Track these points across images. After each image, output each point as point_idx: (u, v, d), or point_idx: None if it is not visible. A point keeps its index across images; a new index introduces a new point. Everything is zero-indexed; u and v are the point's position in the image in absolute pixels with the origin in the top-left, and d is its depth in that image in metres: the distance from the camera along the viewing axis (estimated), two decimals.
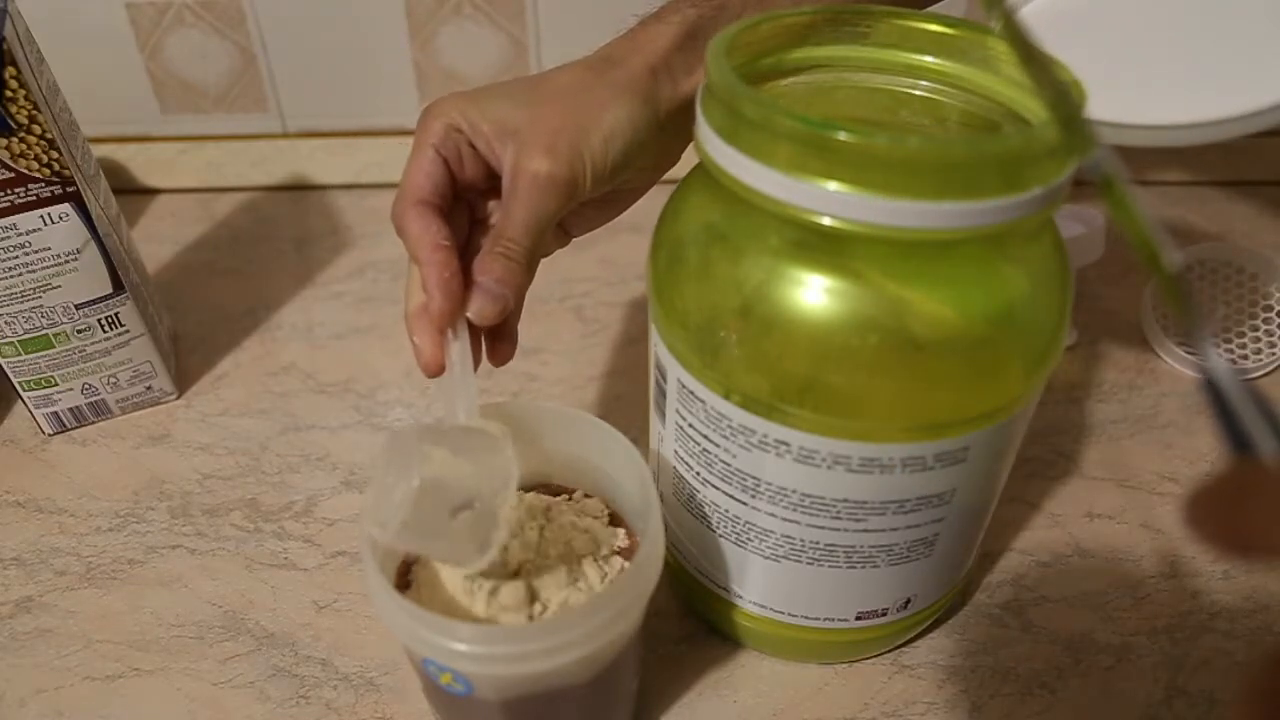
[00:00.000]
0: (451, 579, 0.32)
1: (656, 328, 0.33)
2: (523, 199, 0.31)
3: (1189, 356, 0.53)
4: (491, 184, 0.34)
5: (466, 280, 0.31)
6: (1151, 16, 0.38)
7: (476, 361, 0.33)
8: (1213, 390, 0.17)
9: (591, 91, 0.32)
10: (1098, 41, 0.38)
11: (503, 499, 0.29)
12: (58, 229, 0.44)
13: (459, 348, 0.31)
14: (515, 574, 0.31)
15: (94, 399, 0.50)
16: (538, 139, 0.31)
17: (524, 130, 0.32)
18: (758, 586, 0.35)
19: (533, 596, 0.31)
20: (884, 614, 0.36)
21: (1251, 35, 0.36)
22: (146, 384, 0.51)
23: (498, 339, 0.34)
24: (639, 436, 0.49)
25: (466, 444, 0.29)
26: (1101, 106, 0.31)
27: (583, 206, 0.35)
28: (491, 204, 0.35)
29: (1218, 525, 0.16)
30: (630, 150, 0.33)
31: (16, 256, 0.44)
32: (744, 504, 0.33)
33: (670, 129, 0.34)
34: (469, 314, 0.31)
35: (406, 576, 0.34)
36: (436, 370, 0.31)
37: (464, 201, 0.34)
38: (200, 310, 0.59)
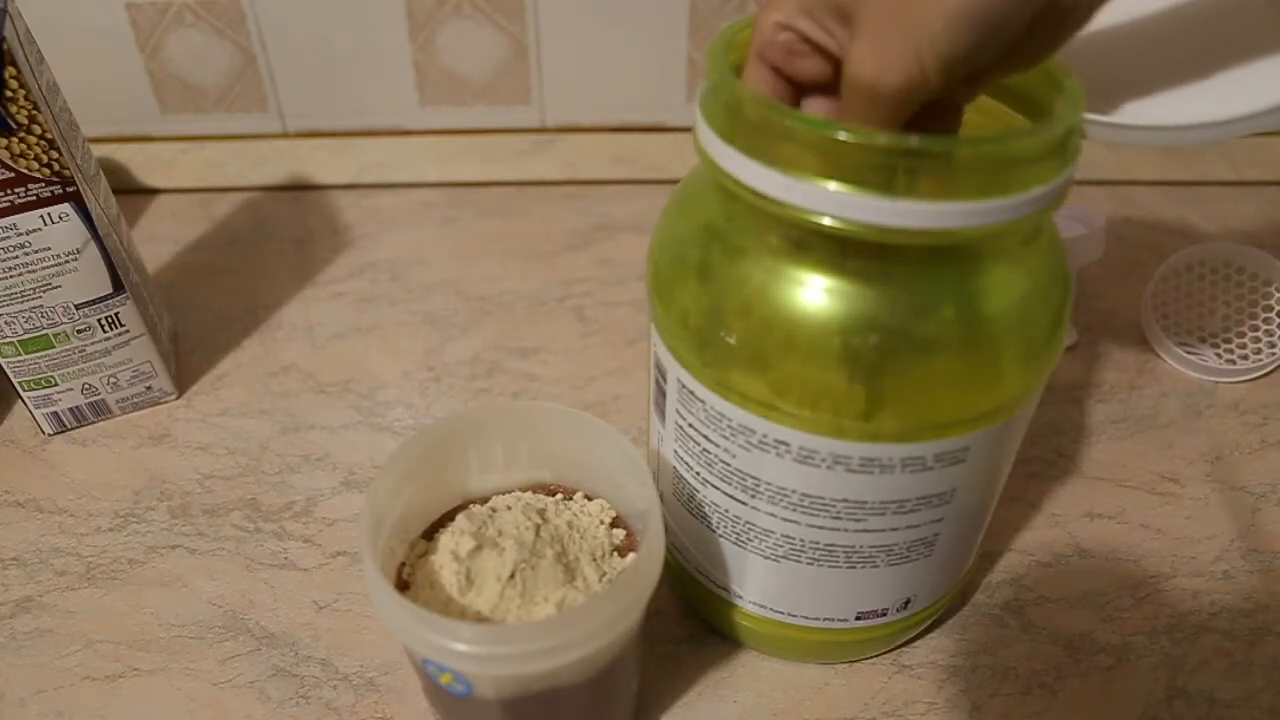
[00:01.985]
0: (451, 578, 0.32)
1: (656, 328, 0.33)
2: (851, 109, 0.25)
3: (1189, 356, 0.53)
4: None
5: None
6: (1152, 18, 0.38)
7: None
8: None
9: None
10: (1098, 42, 0.38)
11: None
12: (58, 229, 0.44)
13: None
14: (512, 575, 0.31)
15: (94, 399, 0.50)
16: (867, 24, 0.24)
17: (856, 5, 0.25)
18: (758, 586, 0.35)
19: (531, 596, 0.31)
20: (884, 614, 0.36)
21: (1252, 36, 0.36)
22: (146, 384, 0.51)
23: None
24: (639, 436, 0.49)
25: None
26: (1102, 107, 0.31)
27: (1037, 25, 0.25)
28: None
29: None
30: (991, 25, 0.23)
31: (16, 256, 0.44)
32: (744, 504, 0.33)
33: None
34: None
35: (406, 577, 0.34)
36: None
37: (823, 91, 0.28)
38: (200, 310, 0.59)
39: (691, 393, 0.31)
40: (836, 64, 0.27)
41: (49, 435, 0.50)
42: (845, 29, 0.25)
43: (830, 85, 0.28)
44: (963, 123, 0.30)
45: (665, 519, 0.34)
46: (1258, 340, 0.53)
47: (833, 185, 0.25)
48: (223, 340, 0.56)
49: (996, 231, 0.26)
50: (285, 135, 0.72)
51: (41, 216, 0.43)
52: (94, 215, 0.45)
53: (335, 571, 0.43)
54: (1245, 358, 0.53)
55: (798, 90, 0.28)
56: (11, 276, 0.44)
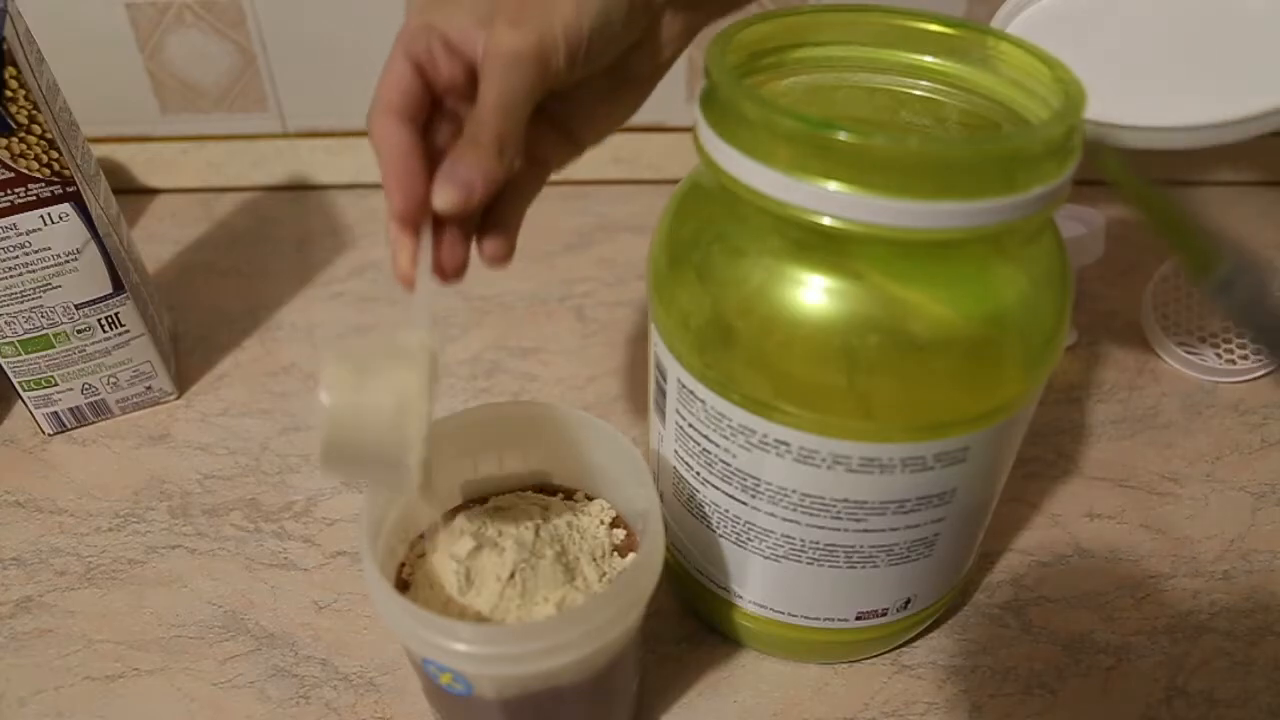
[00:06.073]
0: (451, 578, 0.32)
1: (656, 328, 0.33)
2: (489, 77, 0.29)
3: (1189, 356, 0.53)
4: (475, 88, 0.30)
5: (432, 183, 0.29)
6: (1154, 19, 0.38)
7: (459, 268, 0.31)
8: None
9: None
10: (1100, 43, 0.38)
11: (415, 415, 0.27)
12: (58, 229, 0.44)
13: (422, 249, 0.29)
14: (512, 575, 0.31)
15: (94, 399, 0.50)
16: (505, 12, 0.29)
17: (494, 9, 0.29)
18: (758, 586, 0.35)
19: (531, 596, 0.31)
20: (884, 614, 0.36)
21: (1253, 38, 0.36)
22: (146, 384, 0.51)
23: (488, 229, 0.32)
24: (639, 436, 0.49)
25: (375, 362, 0.27)
26: (1103, 108, 0.31)
27: (582, 101, 0.33)
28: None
29: None
30: (610, 19, 0.29)
31: (16, 256, 0.44)
32: (744, 504, 0.33)
33: (660, 3, 0.31)
34: (434, 202, 0.29)
35: (406, 576, 0.34)
36: (408, 280, 0.29)
37: (449, 113, 0.31)
38: (200, 310, 0.59)
39: (692, 393, 0.31)
40: (470, 72, 0.30)
41: (49, 435, 0.50)
42: (485, 34, 0.29)
43: (461, 91, 0.30)
44: (962, 123, 0.30)
45: (665, 519, 0.34)
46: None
47: (833, 185, 0.25)
48: (223, 340, 0.56)
49: (997, 231, 0.26)
50: (285, 135, 0.72)
51: (41, 216, 0.43)
52: (94, 215, 0.45)
53: (335, 571, 0.43)
54: (1245, 358, 0.53)
55: (432, 88, 0.30)
56: (11, 276, 0.44)
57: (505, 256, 0.33)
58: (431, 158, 0.29)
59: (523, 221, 0.33)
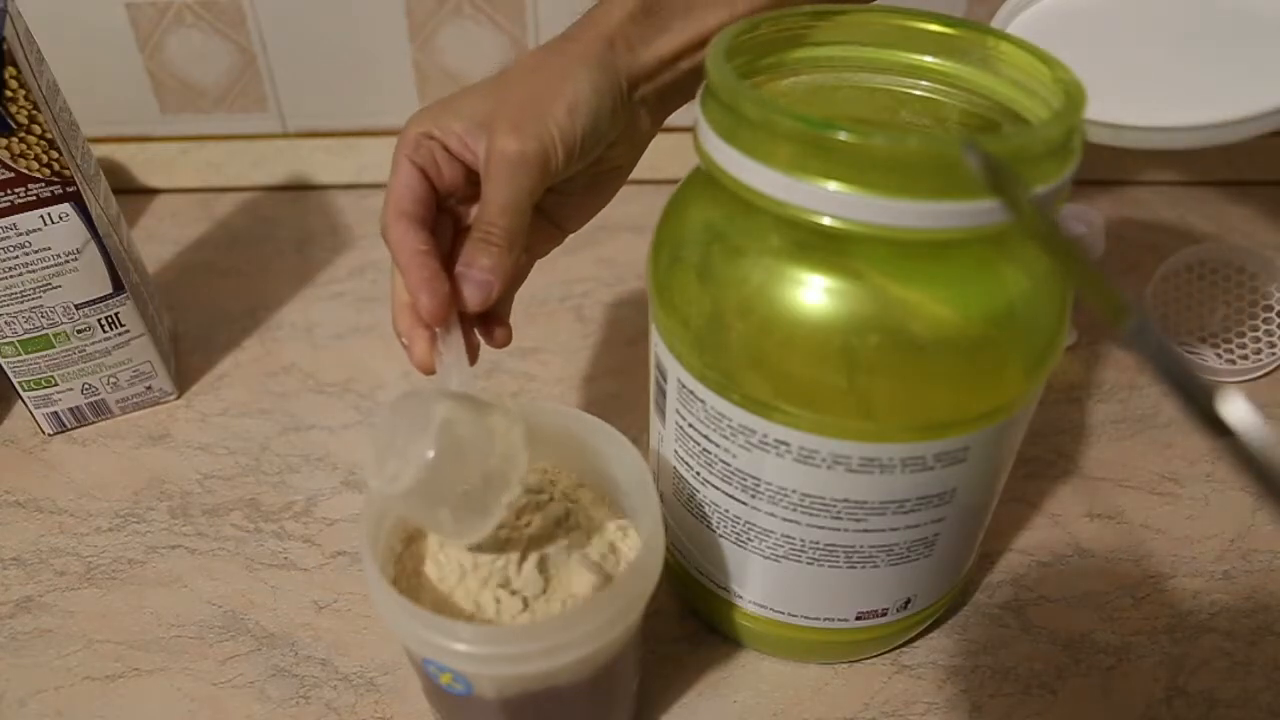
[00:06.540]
0: (450, 577, 0.32)
1: (656, 328, 0.33)
2: (495, 180, 0.32)
3: (1189, 356, 0.53)
4: (473, 189, 0.34)
5: (451, 282, 0.32)
6: (1154, 19, 0.38)
7: (474, 354, 0.34)
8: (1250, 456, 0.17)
9: (551, 68, 0.33)
10: (1100, 43, 0.38)
11: (514, 465, 0.29)
12: (58, 229, 0.44)
13: (452, 341, 0.32)
14: (507, 579, 0.31)
15: (94, 399, 0.50)
16: (504, 120, 0.32)
17: (492, 117, 0.32)
18: (758, 586, 0.35)
19: (525, 603, 0.31)
20: (884, 614, 0.36)
21: (1254, 38, 0.36)
22: (146, 384, 0.51)
23: (489, 323, 0.35)
24: (639, 436, 0.49)
25: (481, 413, 0.29)
26: (1103, 108, 0.31)
27: (569, 194, 0.36)
28: (474, 209, 0.35)
29: None
30: (598, 118, 0.33)
31: (16, 256, 0.44)
32: (744, 504, 0.33)
33: (636, 99, 0.34)
34: (466, 304, 0.32)
35: (406, 576, 0.34)
36: (428, 368, 0.32)
37: (447, 212, 0.35)
38: (200, 310, 0.59)
39: (692, 393, 0.31)
40: (468, 175, 0.34)
41: (49, 435, 0.50)
42: (481, 141, 0.32)
43: (461, 192, 0.34)
44: (962, 123, 0.30)
45: (665, 519, 0.34)
46: (1258, 340, 0.53)
47: (833, 185, 0.25)
48: (223, 340, 0.56)
49: (997, 231, 0.26)
50: (285, 135, 0.72)
51: (41, 216, 0.43)
52: (94, 215, 0.45)
53: (335, 571, 0.43)
54: (1245, 358, 0.53)
55: (436, 191, 0.34)
56: (11, 276, 0.44)
57: (509, 339, 0.36)
58: (439, 256, 0.32)
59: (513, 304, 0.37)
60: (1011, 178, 0.24)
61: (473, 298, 0.32)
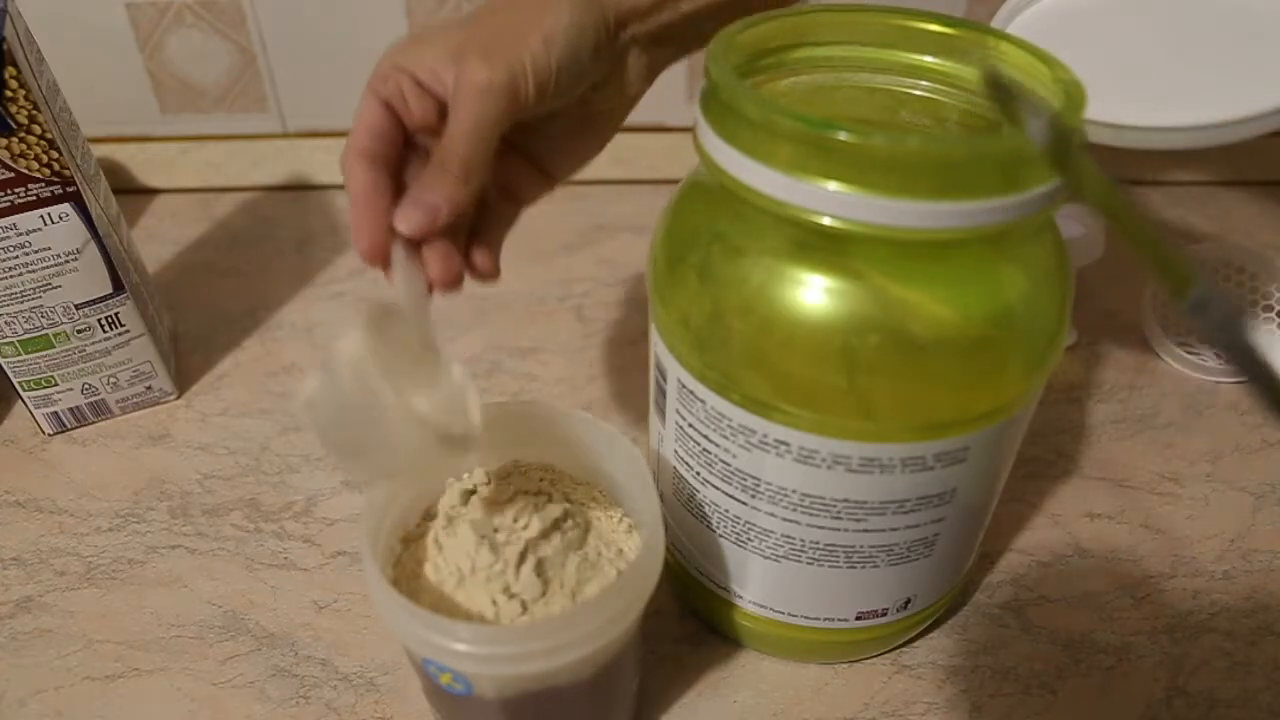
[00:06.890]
0: (449, 581, 0.32)
1: (656, 328, 0.33)
2: (460, 107, 0.30)
3: (1189, 357, 0.53)
4: (445, 123, 0.32)
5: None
6: (1154, 19, 0.38)
7: (445, 279, 0.31)
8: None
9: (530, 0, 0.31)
10: (1100, 43, 0.38)
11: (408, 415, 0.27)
12: (58, 229, 0.44)
13: (410, 273, 0.30)
14: (506, 584, 0.31)
15: (94, 399, 0.50)
16: (474, 48, 0.30)
17: (464, 47, 0.31)
18: (758, 586, 0.35)
19: (524, 606, 0.31)
20: (884, 614, 0.36)
21: (1253, 38, 0.36)
22: (146, 384, 0.51)
23: (474, 244, 0.33)
24: (639, 436, 0.49)
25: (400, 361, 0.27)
26: (1103, 108, 0.31)
27: (553, 135, 0.34)
28: None
29: None
30: (577, 52, 0.31)
31: (16, 256, 0.44)
32: (744, 504, 0.33)
33: (626, 38, 0.33)
34: (397, 224, 0.30)
35: (406, 576, 0.34)
36: (374, 255, 0.31)
37: (420, 149, 0.33)
38: (200, 310, 0.59)
39: (692, 393, 0.31)
40: (441, 109, 0.32)
41: (49, 435, 0.50)
42: (451, 71, 0.30)
43: (433, 127, 0.32)
44: (962, 123, 0.30)
45: (665, 519, 0.34)
46: None
47: (833, 185, 0.25)
48: (223, 340, 0.56)
49: (997, 231, 0.26)
50: (285, 135, 0.72)
51: (41, 216, 0.43)
52: (94, 215, 0.45)
53: (335, 571, 0.43)
54: None
55: (404, 127, 0.32)
56: (11, 276, 0.44)
57: (493, 271, 0.34)
58: (391, 196, 0.31)
59: (502, 246, 0.35)
60: (1073, 146, 0.23)
61: (411, 219, 0.30)
